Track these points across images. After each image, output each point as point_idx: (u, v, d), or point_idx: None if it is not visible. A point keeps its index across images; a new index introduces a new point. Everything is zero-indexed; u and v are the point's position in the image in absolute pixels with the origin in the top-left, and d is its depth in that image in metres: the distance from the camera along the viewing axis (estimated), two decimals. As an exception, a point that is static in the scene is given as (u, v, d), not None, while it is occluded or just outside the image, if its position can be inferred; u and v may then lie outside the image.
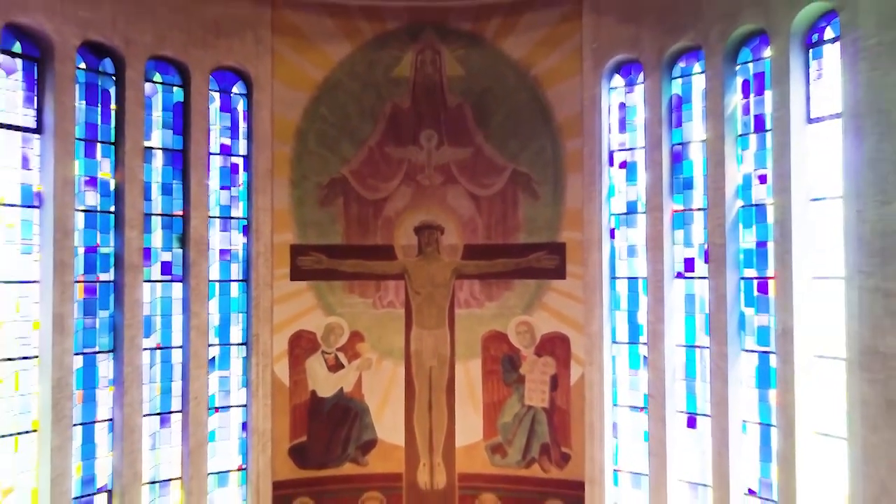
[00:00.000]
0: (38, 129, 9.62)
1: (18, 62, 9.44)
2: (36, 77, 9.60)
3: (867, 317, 8.08)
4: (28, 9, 9.12)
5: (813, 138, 9.24)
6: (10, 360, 9.34)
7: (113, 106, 10.44)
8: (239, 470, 11.57)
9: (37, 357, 9.58)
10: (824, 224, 9.08)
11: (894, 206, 7.73)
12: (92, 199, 10.29)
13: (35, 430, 9.57)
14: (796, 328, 9.18)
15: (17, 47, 9.38)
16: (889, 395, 7.81)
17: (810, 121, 9.26)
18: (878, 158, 7.92)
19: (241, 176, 11.71)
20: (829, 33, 9.02)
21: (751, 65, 10.04)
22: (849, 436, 8.44)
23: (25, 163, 9.56)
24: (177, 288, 11.09)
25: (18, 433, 9.46)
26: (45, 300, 9.55)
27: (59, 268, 9.54)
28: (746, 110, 10.14)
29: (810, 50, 9.24)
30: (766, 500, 9.79)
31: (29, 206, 9.55)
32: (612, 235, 11.53)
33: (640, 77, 11.12)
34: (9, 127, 9.26)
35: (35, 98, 9.62)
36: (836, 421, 8.83)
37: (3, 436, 9.13)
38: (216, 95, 11.47)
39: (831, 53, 8.95)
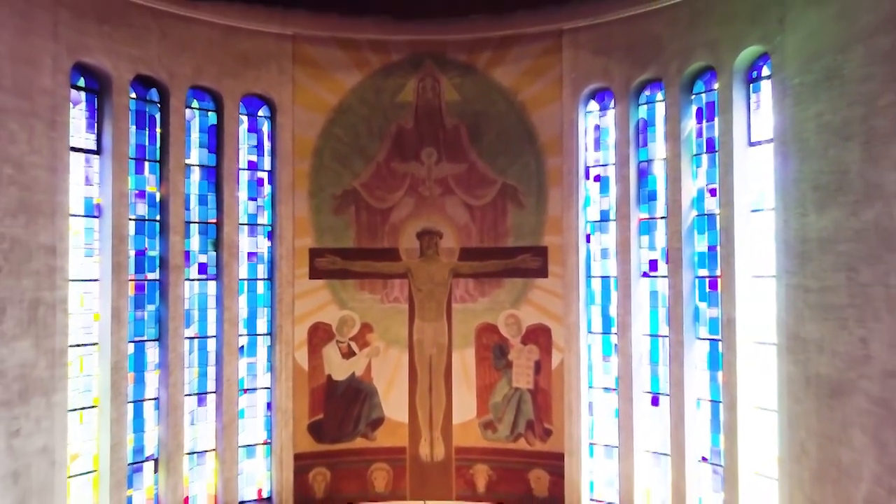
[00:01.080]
0: (98, 151, 10.98)
1: (82, 95, 10.82)
2: (96, 106, 10.96)
3: (791, 308, 9.50)
4: (92, 50, 10.54)
5: (753, 159, 10.59)
6: (76, 346, 10.58)
7: (158, 129, 11.69)
8: (264, 444, 12.66)
9: (97, 344, 10.88)
10: (761, 231, 10.40)
11: (811, 218, 9.11)
12: (141, 209, 11.53)
13: (96, 406, 10.87)
14: (738, 319, 10.53)
15: (81, 82, 10.79)
16: (808, 372, 9.21)
17: (751, 144, 10.63)
18: (799, 178, 9.33)
19: (266, 188, 12.81)
20: (765, 71, 10.38)
21: (703, 95, 11.34)
22: (778, 408, 9.84)
23: (87, 179, 10.91)
24: (211, 286, 12.26)
25: (82, 408, 10.76)
26: (104, 296, 10.86)
27: (115, 268, 10.86)
28: (700, 134, 11.40)
29: (750, 85, 10.63)
30: (716, 465, 11.09)
31: (90, 216, 10.89)
32: (588, 240, 12.58)
33: (612, 103, 12.28)
34: (75, 149, 10.58)
35: (95, 124, 10.97)
36: (769, 396, 10.13)
37: (70, 410, 10.33)
38: (244, 118, 12.58)
39: (767, 89, 10.31)
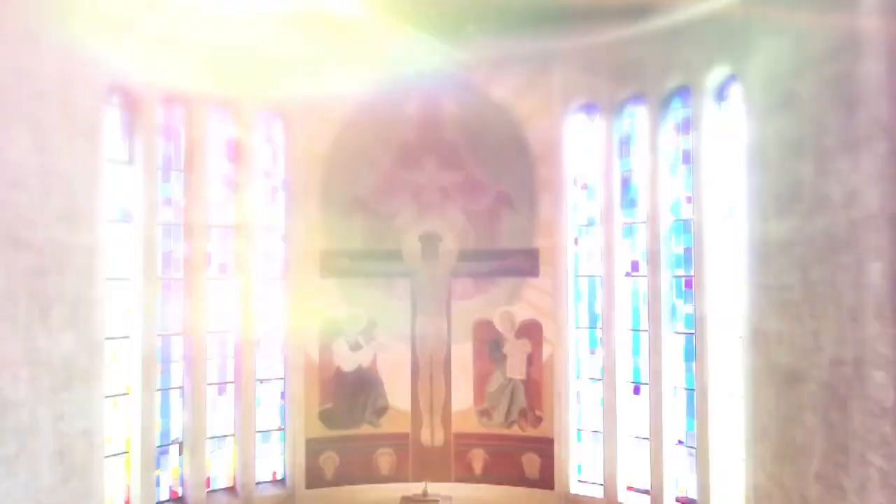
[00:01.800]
0: (130, 162, 11.89)
1: (116, 111, 11.73)
2: (128, 121, 11.86)
3: (755, 305, 10.33)
4: (127, 71, 11.52)
5: (723, 170, 11.45)
6: (111, 339, 11.39)
7: (182, 141, 12.61)
8: (279, 430, 13.47)
9: (129, 337, 11.76)
10: (730, 236, 11.24)
11: (771, 223, 9.92)
12: (168, 214, 12.38)
13: (128, 394, 11.74)
14: (710, 315, 11.45)
15: (115, 100, 11.69)
16: (769, 362, 10.02)
17: (721, 157, 11.45)
18: (762, 189, 10.17)
19: (281, 195, 13.62)
20: (734, 91, 11.21)
21: (680, 111, 12.18)
22: (744, 394, 10.71)
23: (121, 188, 11.78)
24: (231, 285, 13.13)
25: (116, 395, 11.62)
26: (135, 293, 11.75)
27: (145, 269, 11.77)
28: (677, 146, 12.26)
29: (721, 103, 11.51)
30: (691, 447, 11.96)
31: (123, 222, 11.76)
32: (576, 242, 13.34)
33: (598, 117, 13.08)
34: (110, 161, 11.39)
35: (127, 138, 11.88)
36: (738, 384, 10.98)
37: (106, 396, 11.13)
38: (260, 130, 13.38)
39: (735, 107, 11.12)
